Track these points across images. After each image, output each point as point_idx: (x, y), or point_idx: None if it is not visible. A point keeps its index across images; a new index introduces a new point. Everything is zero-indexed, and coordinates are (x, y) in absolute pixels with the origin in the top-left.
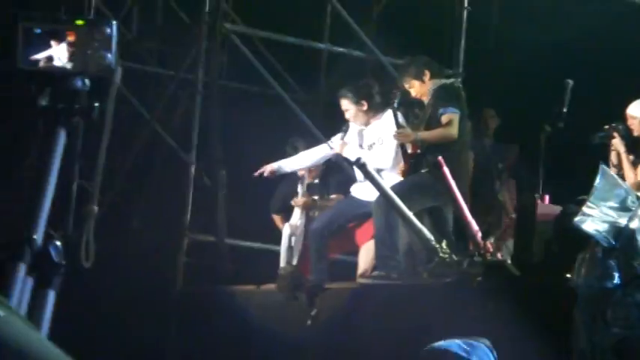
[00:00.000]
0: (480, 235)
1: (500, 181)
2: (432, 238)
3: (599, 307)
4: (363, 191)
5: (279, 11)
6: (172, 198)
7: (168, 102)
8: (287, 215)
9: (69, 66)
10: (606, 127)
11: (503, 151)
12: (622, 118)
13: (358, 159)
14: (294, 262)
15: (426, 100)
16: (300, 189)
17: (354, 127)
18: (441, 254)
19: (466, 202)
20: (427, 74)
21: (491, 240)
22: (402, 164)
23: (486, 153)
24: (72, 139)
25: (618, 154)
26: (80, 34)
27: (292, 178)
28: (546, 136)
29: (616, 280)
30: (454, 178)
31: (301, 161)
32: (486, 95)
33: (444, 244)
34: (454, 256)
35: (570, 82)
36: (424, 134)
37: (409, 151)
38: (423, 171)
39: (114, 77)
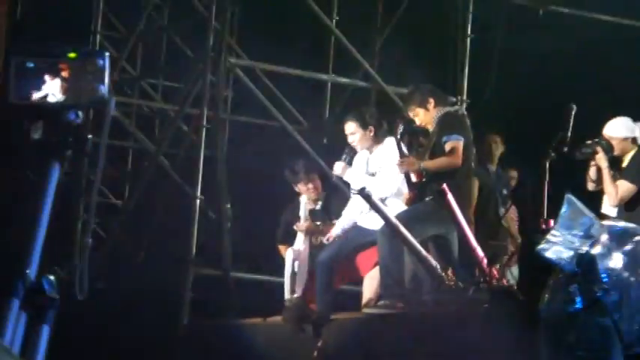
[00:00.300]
0: (485, 261)
1: (505, 207)
2: (438, 265)
3: (562, 332)
4: (369, 221)
5: (282, 43)
6: (178, 232)
7: (174, 137)
8: (292, 244)
9: (62, 99)
10: (589, 142)
11: (506, 176)
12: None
13: (363, 189)
14: (299, 289)
15: (430, 127)
16: (302, 213)
17: (359, 153)
18: (446, 282)
19: (471, 229)
20: (432, 102)
21: (497, 266)
22: (406, 193)
23: (490, 179)
24: (76, 175)
25: (598, 170)
26: (73, 66)
27: (294, 206)
28: (550, 161)
29: (577, 305)
30: (458, 205)
31: (349, 217)
32: (491, 121)
33: (449, 272)
34: (460, 284)
35: (574, 106)
36: (428, 163)
37: (413, 179)
38: (427, 199)
39: (107, 109)
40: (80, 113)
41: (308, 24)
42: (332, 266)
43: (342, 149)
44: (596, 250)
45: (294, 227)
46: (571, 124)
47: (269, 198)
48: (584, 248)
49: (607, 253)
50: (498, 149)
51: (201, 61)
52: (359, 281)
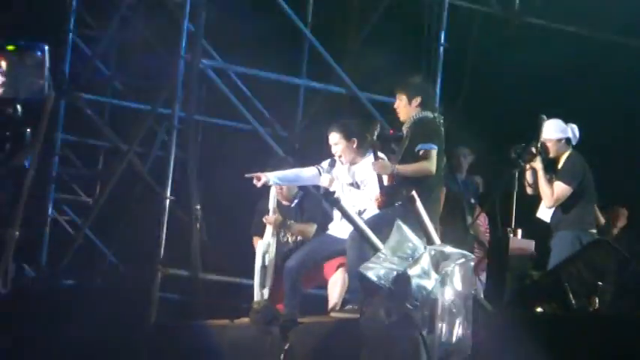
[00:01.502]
0: None
1: (472, 215)
2: None
3: (381, 343)
4: (340, 230)
5: (256, 47)
6: (148, 232)
7: (146, 136)
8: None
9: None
10: (523, 144)
11: (474, 184)
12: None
13: (331, 194)
14: (268, 282)
15: (404, 123)
16: (271, 205)
17: (340, 165)
18: None
19: (438, 236)
20: (418, 100)
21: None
22: (377, 195)
23: (458, 188)
24: (18, 187)
25: (534, 173)
26: (11, 59)
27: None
28: (520, 171)
29: (392, 319)
30: (427, 212)
31: (291, 177)
32: (461, 131)
33: None
34: None
35: (544, 117)
36: (402, 167)
37: (385, 182)
38: (397, 204)
39: (46, 103)
40: (19, 107)
41: (283, 28)
42: (300, 272)
43: (314, 154)
44: (414, 271)
45: (263, 219)
46: (541, 134)
47: (240, 201)
48: (401, 269)
49: (423, 274)
50: (467, 159)
51: (174, 61)
52: (324, 286)
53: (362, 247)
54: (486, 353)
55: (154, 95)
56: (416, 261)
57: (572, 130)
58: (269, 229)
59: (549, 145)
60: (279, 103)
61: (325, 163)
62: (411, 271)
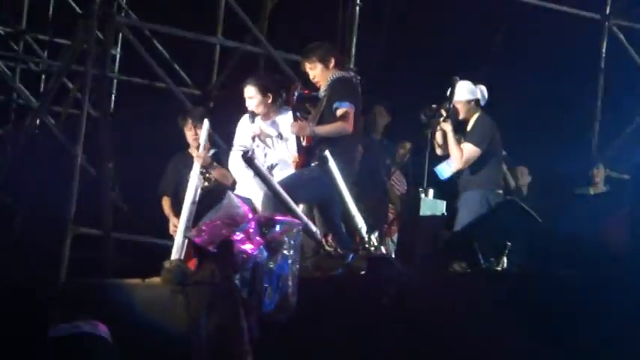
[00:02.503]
0: (364, 229)
1: (387, 176)
2: (317, 231)
3: (212, 305)
4: (245, 189)
5: (173, 5)
6: (59, 190)
7: (58, 94)
8: (175, 200)
9: None
10: (434, 106)
11: (392, 147)
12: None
13: (246, 152)
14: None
15: (322, 87)
16: (202, 140)
17: (249, 121)
18: (326, 248)
19: (352, 197)
20: (332, 61)
21: (376, 234)
22: (295, 156)
23: (375, 149)
24: None
25: (444, 134)
26: None
27: (183, 156)
28: (431, 132)
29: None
30: (341, 171)
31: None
32: (377, 91)
33: (329, 238)
34: (339, 250)
35: (457, 78)
36: (319, 128)
37: (303, 143)
38: (313, 164)
39: None
40: None
41: None
42: None
43: (229, 113)
44: (237, 236)
45: (192, 152)
46: (454, 95)
47: (155, 160)
48: (227, 234)
49: (246, 239)
50: (383, 119)
51: (88, 17)
52: None
53: (278, 206)
54: (398, 312)
55: (67, 52)
56: (241, 227)
57: (482, 92)
58: (197, 166)
59: (459, 106)
60: (194, 63)
61: (241, 127)
62: (235, 237)
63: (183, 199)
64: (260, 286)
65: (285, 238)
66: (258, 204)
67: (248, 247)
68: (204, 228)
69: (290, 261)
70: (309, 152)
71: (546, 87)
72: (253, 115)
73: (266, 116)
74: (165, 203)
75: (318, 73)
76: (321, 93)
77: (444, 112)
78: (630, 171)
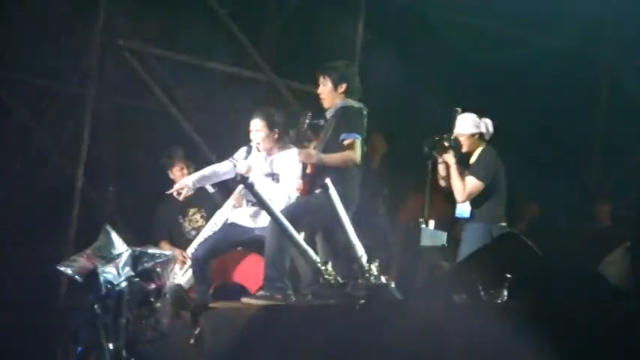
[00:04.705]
0: (365, 258)
1: (385, 206)
2: (318, 259)
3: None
4: (243, 218)
5: (175, 29)
6: (58, 213)
7: (59, 115)
8: (172, 240)
9: None
10: (436, 138)
11: (389, 176)
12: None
13: (246, 179)
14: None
15: (325, 106)
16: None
17: (257, 153)
18: (325, 276)
19: (353, 225)
20: (343, 87)
21: (376, 263)
22: (300, 183)
23: (372, 178)
24: None
25: (447, 166)
26: None
27: (167, 206)
28: (433, 162)
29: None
30: (342, 200)
31: (208, 175)
32: (376, 121)
33: (328, 266)
34: (339, 279)
35: (459, 110)
36: (326, 157)
37: (308, 171)
38: (316, 192)
39: None
40: None
41: (202, 11)
42: (207, 261)
43: (226, 141)
44: (106, 268)
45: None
46: (455, 127)
47: (154, 181)
48: (97, 266)
49: (113, 272)
50: (381, 148)
51: (90, 40)
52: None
53: (281, 236)
54: (398, 341)
55: (70, 73)
56: (110, 260)
57: (486, 125)
58: (230, 203)
59: (462, 139)
60: (195, 87)
61: (240, 153)
62: (102, 268)
63: (177, 242)
64: (125, 312)
65: (158, 269)
66: (260, 231)
67: (113, 277)
68: (78, 259)
69: (163, 289)
70: (312, 180)
71: (545, 120)
72: (249, 151)
73: (269, 151)
74: (165, 246)
75: (326, 91)
76: (327, 116)
77: (446, 144)
78: (632, 208)
